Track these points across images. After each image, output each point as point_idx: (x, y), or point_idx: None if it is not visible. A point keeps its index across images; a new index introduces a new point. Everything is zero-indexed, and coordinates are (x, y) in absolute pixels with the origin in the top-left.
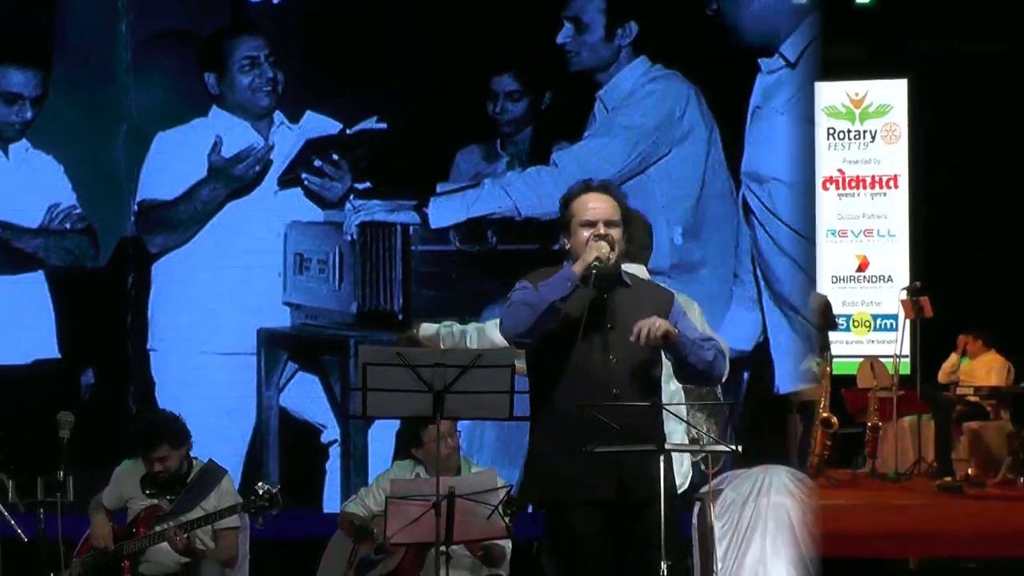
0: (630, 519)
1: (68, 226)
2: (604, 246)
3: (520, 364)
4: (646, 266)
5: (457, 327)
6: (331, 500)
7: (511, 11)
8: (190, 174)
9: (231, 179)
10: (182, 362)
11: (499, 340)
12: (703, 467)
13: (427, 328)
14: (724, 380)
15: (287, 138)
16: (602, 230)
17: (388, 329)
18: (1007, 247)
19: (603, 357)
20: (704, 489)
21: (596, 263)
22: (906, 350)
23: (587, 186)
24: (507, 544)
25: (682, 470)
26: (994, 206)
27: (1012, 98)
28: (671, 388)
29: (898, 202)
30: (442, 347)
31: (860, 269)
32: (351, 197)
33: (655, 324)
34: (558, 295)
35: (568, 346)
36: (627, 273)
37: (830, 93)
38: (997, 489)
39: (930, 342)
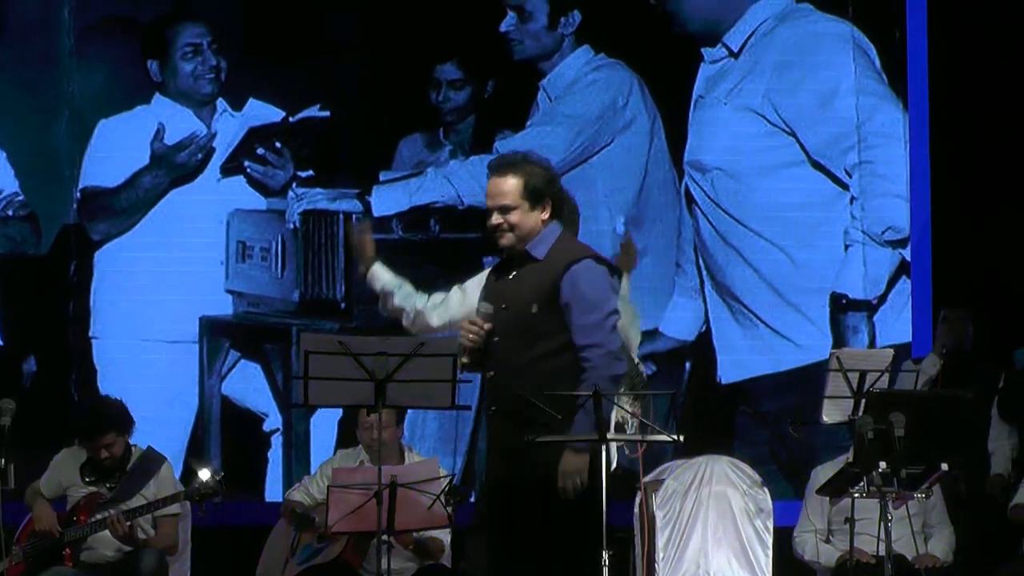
0: (517, 503)
1: (10, 213)
2: (464, 343)
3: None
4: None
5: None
6: (273, 488)
7: None
8: (133, 161)
9: (173, 167)
10: (124, 350)
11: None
12: (627, 451)
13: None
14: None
15: (230, 126)
16: (495, 219)
17: (330, 317)
18: None
19: (492, 336)
20: (648, 477)
21: (464, 361)
22: None
23: (491, 166)
24: (445, 535)
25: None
26: None
27: None
28: None
29: None
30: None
31: None
32: (294, 185)
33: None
34: None
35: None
36: (563, 244)
37: None
38: None
39: None
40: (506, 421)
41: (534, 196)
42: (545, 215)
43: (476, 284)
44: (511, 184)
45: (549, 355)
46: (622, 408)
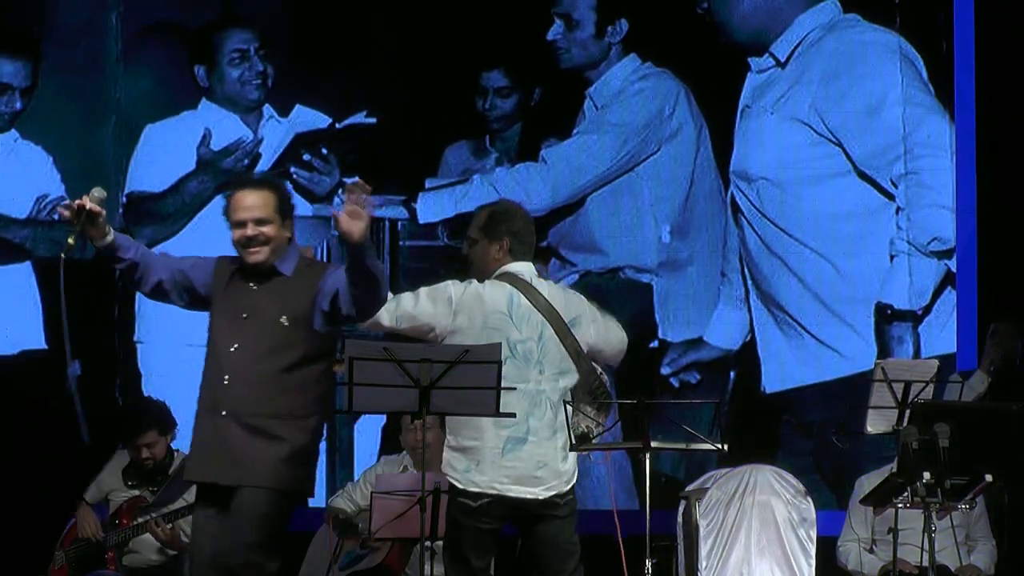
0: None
1: (56, 217)
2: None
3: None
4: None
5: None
6: (317, 495)
7: (501, 7)
8: (179, 166)
9: (220, 172)
10: (169, 354)
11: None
12: (590, 457)
13: None
14: (616, 362)
15: (276, 132)
16: (250, 231)
17: None
18: None
19: (228, 344)
20: (692, 486)
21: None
22: None
23: (242, 181)
24: None
25: (565, 467)
26: None
27: None
28: (560, 384)
29: None
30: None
31: None
32: (340, 192)
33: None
34: None
35: (210, 332)
36: (306, 259)
37: None
38: None
39: None
40: (237, 426)
41: (284, 211)
42: (289, 232)
43: (430, 291)
44: (268, 200)
45: (292, 367)
46: (587, 416)
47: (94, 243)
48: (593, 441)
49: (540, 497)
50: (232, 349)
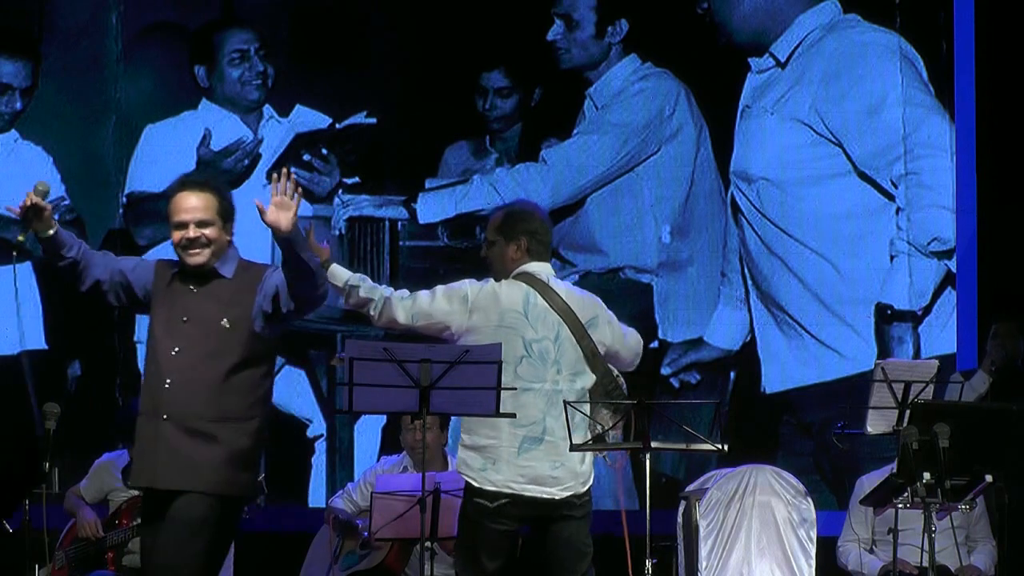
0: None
1: (56, 217)
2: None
3: None
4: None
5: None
6: (316, 495)
7: (501, 7)
8: (179, 166)
9: (220, 172)
10: None
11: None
12: (607, 461)
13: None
14: (634, 366)
15: (276, 132)
16: (192, 232)
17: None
18: None
19: (169, 347)
20: (692, 487)
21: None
22: None
23: (184, 182)
24: None
25: (583, 468)
26: None
27: None
28: (577, 385)
29: None
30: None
31: None
32: (340, 192)
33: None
34: None
35: (151, 335)
36: (244, 262)
37: None
38: None
39: None
40: (178, 430)
41: (226, 214)
42: (230, 235)
43: (446, 289)
44: (210, 203)
45: (233, 370)
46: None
47: (39, 235)
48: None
49: (557, 497)
50: (174, 352)
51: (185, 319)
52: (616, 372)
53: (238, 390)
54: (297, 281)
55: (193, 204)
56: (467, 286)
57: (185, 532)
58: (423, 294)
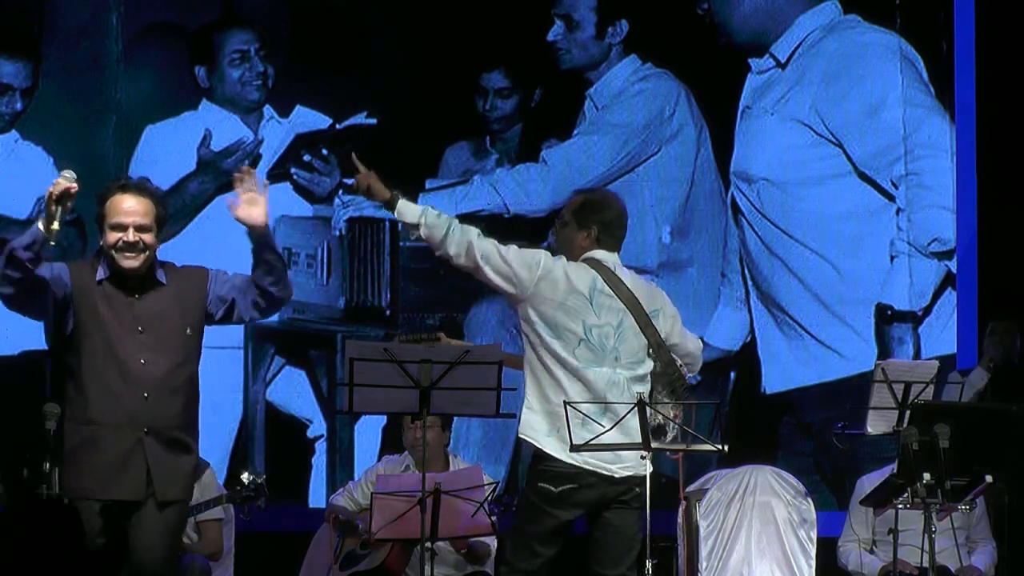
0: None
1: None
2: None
3: (514, 357)
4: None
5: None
6: (317, 495)
7: (501, 7)
8: (179, 167)
9: (220, 173)
10: None
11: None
12: (669, 455)
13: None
14: (696, 368)
15: (277, 132)
16: (131, 236)
17: (375, 324)
18: None
19: (133, 357)
20: (692, 487)
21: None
22: None
23: (123, 185)
24: (492, 542)
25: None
26: None
27: None
28: (639, 372)
29: None
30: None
31: None
32: (340, 192)
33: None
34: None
35: (90, 340)
36: (166, 265)
37: None
38: None
39: None
40: (157, 442)
41: (161, 222)
42: (158, 244)
43: (519, 249)
44: (150, 207)
45: (192, 376)
46: (660, 412)
47: (50, 227)
48: (667, 440)
49: (616, 475)
50: (143, 362)
51: (140, 329)
52: (680, 362)
53: (195, 396)
54: (270, 278)
55: (133, 207)
56: (542, 255)
57: (176, 541)
58: (489, 242)
